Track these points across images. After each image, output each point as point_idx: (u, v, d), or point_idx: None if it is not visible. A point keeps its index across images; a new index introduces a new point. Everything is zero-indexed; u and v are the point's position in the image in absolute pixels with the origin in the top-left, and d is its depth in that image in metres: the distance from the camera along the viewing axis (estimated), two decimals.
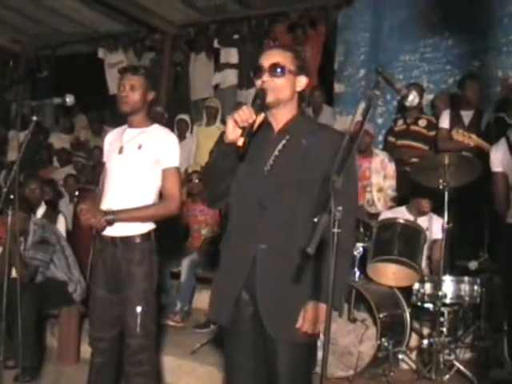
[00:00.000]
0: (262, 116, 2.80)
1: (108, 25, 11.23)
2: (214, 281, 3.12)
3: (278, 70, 2.82)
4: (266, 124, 2.89)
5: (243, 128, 2.71)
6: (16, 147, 10.23)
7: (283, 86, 2.84)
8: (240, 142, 2.70)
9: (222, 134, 2.87)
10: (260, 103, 2.77)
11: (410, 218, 5.60)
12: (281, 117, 2.90)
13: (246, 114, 2.69)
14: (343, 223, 2.24)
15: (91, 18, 11.00)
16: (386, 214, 5.78)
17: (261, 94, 2.81)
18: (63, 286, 5.79)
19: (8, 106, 12.77)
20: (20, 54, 12.77)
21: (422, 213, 5.59)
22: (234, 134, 2.74)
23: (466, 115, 6.64)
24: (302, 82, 2.91)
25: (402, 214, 5.64)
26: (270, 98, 2.81)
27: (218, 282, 3.04)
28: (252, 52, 9.42)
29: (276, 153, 2.84)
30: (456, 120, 6.64)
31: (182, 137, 8.53)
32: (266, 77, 2.83)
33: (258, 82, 2.86)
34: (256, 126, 2.77)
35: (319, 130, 2.92)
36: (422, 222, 5.50)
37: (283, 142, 2.86)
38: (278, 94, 2.83)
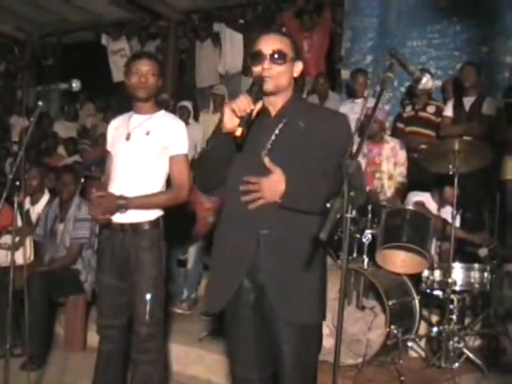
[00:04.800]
0: (259, 104, 2.74)
1: (113, 12, 11.18)
2: (210, 270, 3.09)
3: (281, 57, 2.77)
4: (262, 110, 2.82)
5: (241, 117, 2.63)
6: (18, 133, 10.26)
7: (283, 74, 2.80)
8: (238, 132, 2.62)
9: (219, 123, 2.78)
10: (257, 90, 2.70)
11: (434, 205, 5.59)
12: (277, 102, 2.85)
13: (244, 104, 2.61)
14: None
15: (97, 6, 10.96)
16: (411, 198, 5.75)
17: (258, 81, 2.74)
18: (75, 274, 5.75)
19: (14, 93, 12.75)
20: (25, 41, 12.72)
21: (446, 202, 5.51)
22: (231, 123, 2.65)
23: (467, 101, 6.67)
24: (299, 67, 2.88)
25: (427, 199, 5.63)
26: (269, 86, 2.76)
27: (216, 271, 2.98)
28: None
29: (273, 137, 2.79)
30: (458, 107, 6.63)
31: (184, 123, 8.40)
32: (266, 64, 2.76)
33: (258, 69, 2.79)
34: (254, 114, 2.71)
35: (314, 110, 2.92)
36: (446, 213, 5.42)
37: (280, 125, 2.80)
38: (277, 81, 2.78)
